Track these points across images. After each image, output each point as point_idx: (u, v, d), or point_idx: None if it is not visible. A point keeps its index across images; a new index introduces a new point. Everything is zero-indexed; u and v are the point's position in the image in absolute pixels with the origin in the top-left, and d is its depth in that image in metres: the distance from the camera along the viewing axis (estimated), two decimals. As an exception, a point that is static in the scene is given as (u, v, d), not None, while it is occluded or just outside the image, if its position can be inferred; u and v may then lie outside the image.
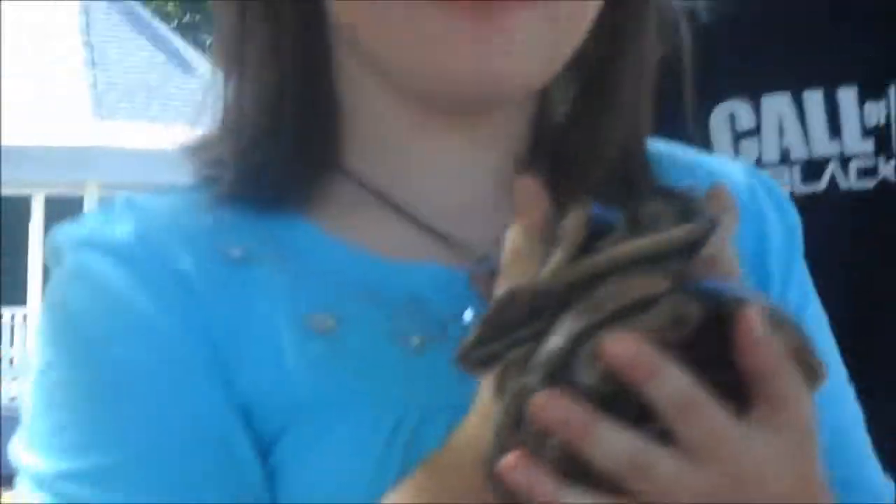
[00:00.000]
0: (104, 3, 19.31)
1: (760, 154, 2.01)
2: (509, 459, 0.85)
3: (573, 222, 0.95)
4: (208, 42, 22.19)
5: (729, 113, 2.06)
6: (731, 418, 0.86)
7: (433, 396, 0.94)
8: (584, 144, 1.10)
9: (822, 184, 2.06)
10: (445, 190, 1.10)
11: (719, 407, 0.85)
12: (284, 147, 1.07)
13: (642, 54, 1.13)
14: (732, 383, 0.87)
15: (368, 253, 1.07)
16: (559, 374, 0.85)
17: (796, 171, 2.06)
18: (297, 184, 1.08)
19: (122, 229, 1.04)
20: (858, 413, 1.19)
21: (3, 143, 16.26)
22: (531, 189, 0.98)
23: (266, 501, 1.00)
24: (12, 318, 17.90)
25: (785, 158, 2.04)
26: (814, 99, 2.08)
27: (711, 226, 0.95)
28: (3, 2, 18.55)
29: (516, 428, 0.86)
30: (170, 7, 24.79)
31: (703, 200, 0.97)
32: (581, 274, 0.90)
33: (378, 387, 1.01)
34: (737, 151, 2.00)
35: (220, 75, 1.11)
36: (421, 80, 1.06)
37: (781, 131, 2.06)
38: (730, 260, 0.97)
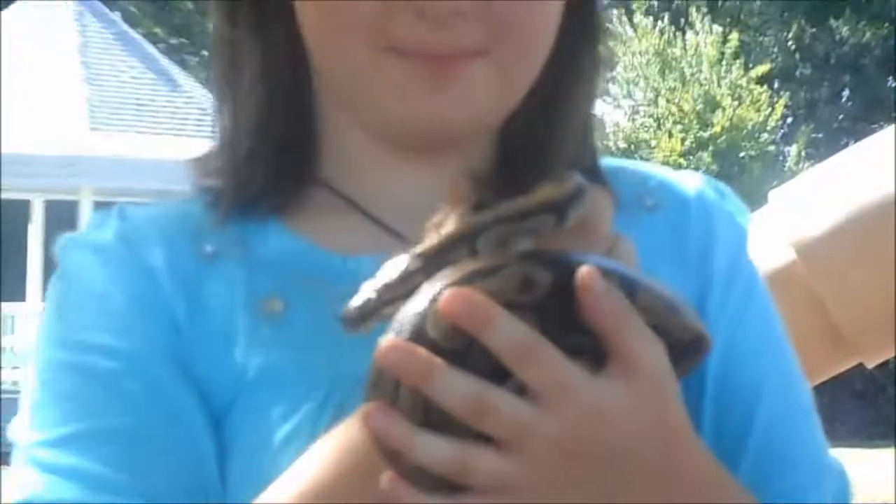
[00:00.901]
0: (99, 25, 19.31)
1: None
2: (366, 409, 0.83)
3: (452, 207, 0.96)
4: (192, 62, 21.69)
5: None
6: (577, 368, 0.83)
7: (360, 369, 0.86)
8: (537, 154, 1.08)
9: None
10: (405, 199, 1.07)
11: (560, 355, 0.82)
12: (269, 162, 1.08)
13: (588, 80, 1.11)
14: (595, 347, 0.84)
15: (328, 249, 1.06)
16: (415, 330, 0.83)
17: None
18: (276, 192, 1.08)
19: (108, 232, 1.06)
20: (803, 396, 1.10)
21: (4, 151, 15.99)
22: (452, 192, 0.98)
23: (215, 471, 1.00)
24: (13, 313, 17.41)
25: None
26: None
27: (575, 191, 0.93)
28: (2, 21, 18.46)
29: (377, 382, 0.84)
30: (157, 30, 24.39)
31: (580, 182, 0.94)
32: (449, 239, 0.90)
33: (313, 363, 1.00)
34: None
35: (216, 101, 1.11)
36: (384, 123, 1.06)
37: None
38: (607, 230, 0.94)
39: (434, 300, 0.82)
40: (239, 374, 1.02)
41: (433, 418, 0.82)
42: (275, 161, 1.08)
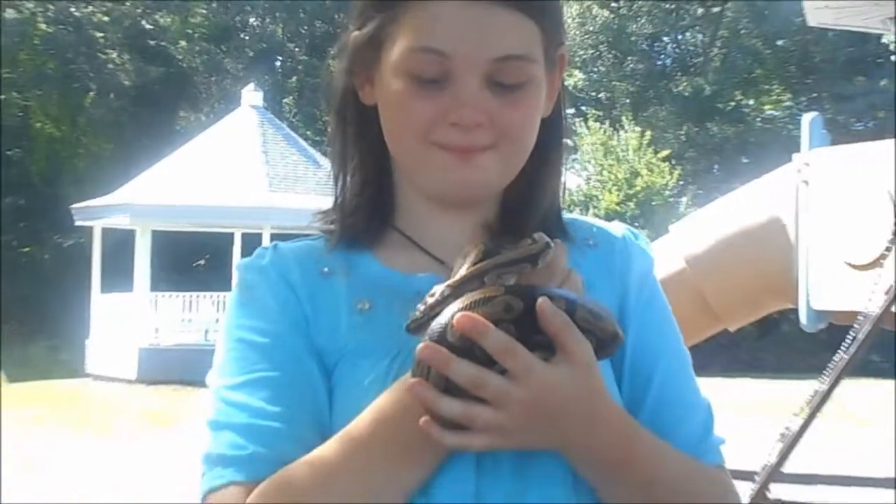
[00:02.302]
0: (273, 129, 19.31)
1: None
2: (410, 383, 0.85)
3: (471, 249, 0.96)
4: (328, 151, 21.92)
5: None
6: (536, 358, 0.85)
7: (414, 344, 0.86)
8: (525, 208, 1.05)
9: None
10: (445, 237, 1.04)
11: (527, 351, 0.84)
12: (364, 216, 1.05)
13: (557, 164, 1.07)
14: (549, 343, 0.85)
15: (398, 270, 1.03)
16: (440, 336, 0.84)
17: None
18: (368, 234, 1.06)
19: (266, 259, 1.04)
20: (685, 360, 1.06)
21: (218, 204, 16.76)
22: (472, 238, 1.00)
23: (327, 406, 0.97)
24: (220, 299, 17.44)
25: None
26: None
27: (544, 248, 0.94)
28: (222, 125, 18.82)
29: (418, 365, 0.86)
30: (308, 132, 24.58)
31: (547, 241, 0.95)
32: (468, 275, 0.91)
33: (385, 340, 0.98)
34: None
35: (333, 177, 1.07)
36: (433, 190, 1.03)
37: None
38: (564, 269, 0.95)
39: (452, 317, 0.85)
40: (342, 346, 1.00)
41: (451, 388, 0.85)
42: (368, 214, 1.06)
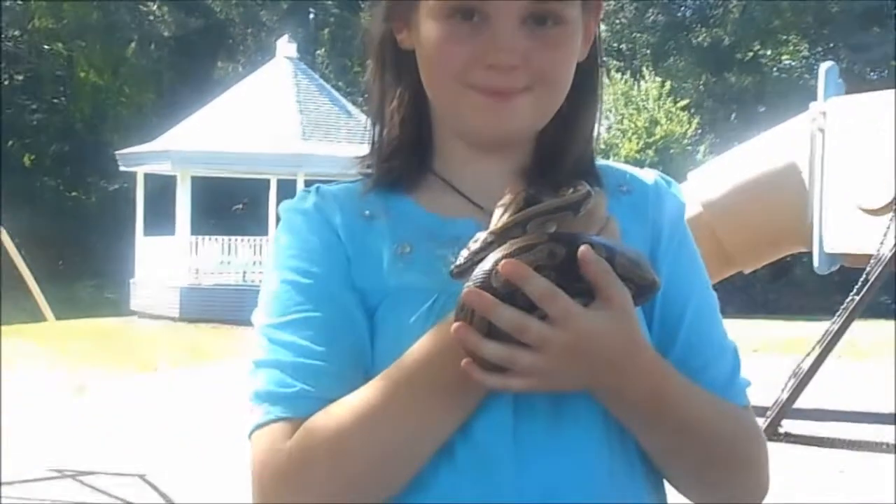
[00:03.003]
0: (306, 80, 19.27)
1: None
2: (454, 326, 0.84)
3: (512, 197, 0.94)
4: (359, 101, 21.97)
5: None
6: (577, 304, 0.84)
7: (456, 287, 0.85)
8: (559, 153, 1.02)
9: None
10: (483, 181, 1.01)
11: (568, 297, 0.83)
12: (402, 160, 1.03)
13: (592, 109, 1.04)
14: (588, 289, 0.84)
15: (437, 214, 1.01)
16: (484, 280, 0.83)
17: None
18: (407, 178, 1.03)
19: (309, 202, 1.03)
20: (713, 303, 1.05)
21: (255, 150, 16.86)
22: (512, 186, 0.96)
23: (369, 345, 0.96)
24: (256, 243, 17.72)
25: None
26: None
27: (585, 196, 0.92)
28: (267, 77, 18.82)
29: (461, 309, 0.84)
30: (340, 83, 24.55)
31: (588, 189, 0.93)
32: (511, 222, 0.90)
33: (427, 282, 0.96)
34: None
35: (371, 122, 1.05)
36: (469, 132, 1.01)
37: None
38: (603, 216, 0.93)
39: (496, 263, 0.83)
40: (384, 287, 0.98)
41: (493, 332, 0.83)
42: (406, 159, 1.03)
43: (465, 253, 0.87)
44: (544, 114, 1.00)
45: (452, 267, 0.87)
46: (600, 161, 1.07)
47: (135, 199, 18.65)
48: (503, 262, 0.83)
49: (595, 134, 1.05)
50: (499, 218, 0.92)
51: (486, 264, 0.84)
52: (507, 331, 0.83)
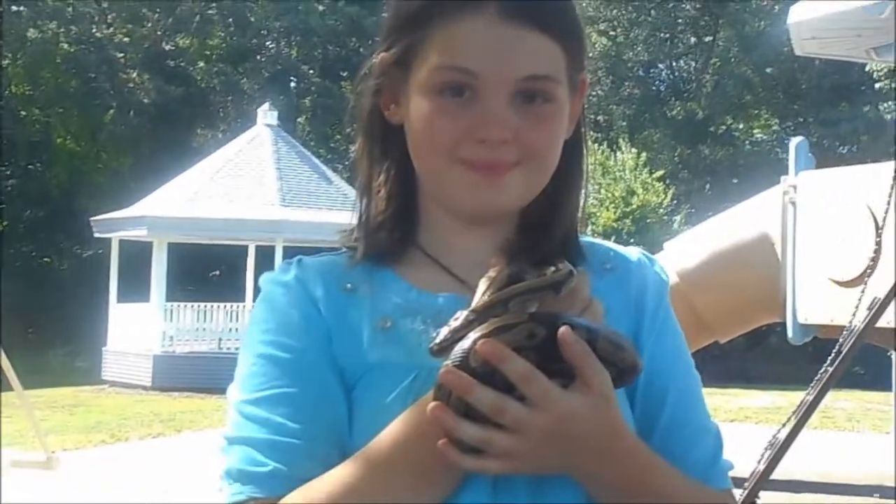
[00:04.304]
0: (286, 146, 19.35)
1: None
2: (431, 406, 0.83)
3: (496, 274, 0.93)
4: (339, 168, 22.12)
5: None
6: (555, 386, 0.82)
7: (436, 364, 0.84)
8: (544, 229, 1.01)
9: None
10: (468, 257, 1.00)
11: (547, 379, 0.82)
12: (388, 234, 1.02)
13: (577, 186, 1.04)
14: (568, 371, 0.83)
15: (420, 288, 1.00)
16: (463, 360, 0.82)
17: None
18: (391, 252, 1.02)
19: (290, 275, 1.00)
20: (696, 385, 1.03)
21: (234, 216, 16.78)
22: (496, 262, 0.96)
23: (346, 424, 0.94)
24: (233, 309, 17.70)
25: None
26: None
27: (567, 275, 0.91)
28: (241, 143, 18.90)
29: (439, 389, 0.83)
30: (321, 150, 24.55)
31: (571, 269, 0.92)
32: (492, 301, 0.88)
33: (407, 358, 0.94)
34: None
35: (358, 195, 1.05)
36: (457, 208, 1.00)
37: None
38: (586, 297, 0.92)
39: (475, 343, 0.83)
40: (364, 362, 0.96)
41: (471, 413, 0.83)
42: (392, 232, 1.02)
43: (445, 330, 0.86)
44: (532, 189, 0.99)
45: (433, 344, 0.86)
46: (585, 237, 1.06)
47: (109, 266, 18.53)
48: (482, 342, 0.82)
49: (580, 211, 1.05)
50: (481, 295, 0.91)
51: (466, 343, 0.83)
52: (485, 412, 0.82)
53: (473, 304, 0.89)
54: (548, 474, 0.89)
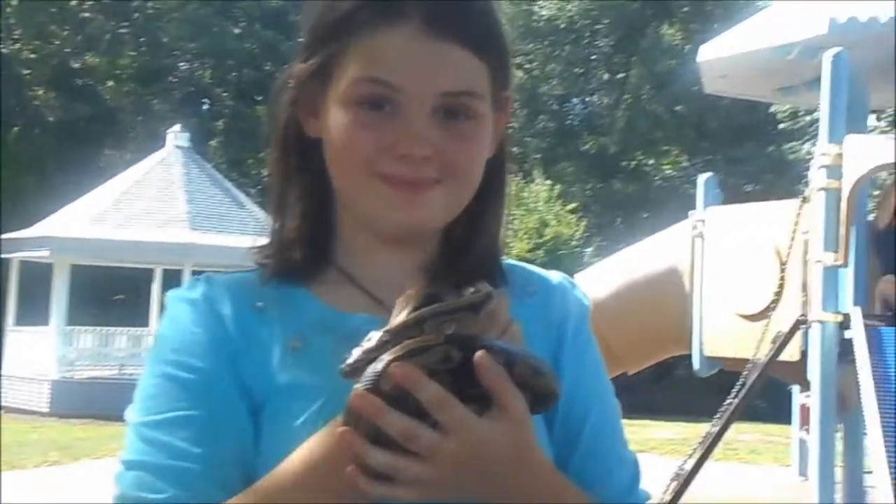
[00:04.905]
0: (197, 168, 19.05)
1: None
2: (339, 431, 0.80)
3: (412, 295, 0.90)
4: (252, 192, 21.91)
5: None
6: (468, 411, 0.80)
7: (348, 387, 0.81)
8: (465, 250, 0.99)
9: None
10: (386, 276, 0.97)
11: (461, 405, 0.79)
12: (302, 251, 0.99)
13: (499, 206, 1.03)
14: (484, 395, 0.81)
15: (333, 307, 0.97)
16: (374, 383, 0.79)
17: None
18: (305, 270, 0.99)
19: (197, 292, 0.97)
20: (614, 411, 1.02)
21: (140, 239, 16.47)
22: (414, 283, 0.93)
23: (252, 448, 0.91)
24: (136, 334, 17.48)
25: None
26: None
27: (486, 297, 0.88)
28: (148, 165, 18.52)
29: (349, 412, 0.81)
30: (233, 174, 24.18)
31: (490, 291, 0.90)
32: (408, 322, 0.85)
33: (317, 380, 0.91)
34: None
35: (270, 211, 1.02)
36: (376, 226, 0.97)
37: None
38: (505, 319, 0.89)
39: (387, 366, 0.80)
40: (272, 384, 0.93)
41: (381, 438, 0.80)
42: (306, 249, 0.99)
43: (357, 352, 0.84)
44: (453, 208, 0.97)
45: (344, 365, 0.83)
46: (506, 260, 1.04)
47: (7, 288, 17.92)
48: (394, 364, 0.79)
49: (501, 232, 1.03)
50: (397, 315, 0.88)
51: (378, 365, 0.80)
52: (395, 437, 0.79)
53: (388, 325, 0.86)
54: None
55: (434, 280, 0.95)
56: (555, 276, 1.07)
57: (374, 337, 0.85)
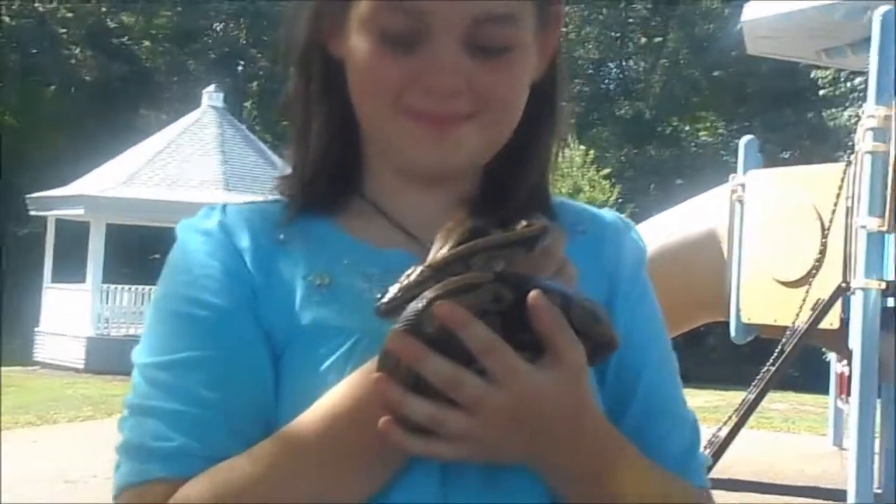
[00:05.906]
0: (231, 129, 19.07)
1: None
2: (374, 377, 0.73)
3: (455, 227, 0.82)
4: (285, 154, 21.87)
5: None
6: (520, 359, 0.72)
7: (382, 328, 0.74)
8: (510, 186, 0.90)
9: None
10: (417, 211, 0.89)
11: (511, 350, 0.72)
12: (328, 181, 0.91)
13: (548, 135, 0.92)
14: (536, 343, 0.73)
15: (364, 242, 0.88)
16: (415, 323, 0.72)
17: None
18: (332, 201, 0.91)
19: (213, 220, 0.88)
20: (672, 367, 0.92)
21: (176, 199, 16.36)
22: (455, 215, 0.85)
23: (273, 393, 0.82)
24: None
25: None
26: None
27: (542, 231, 0.80)
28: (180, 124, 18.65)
29: (385, 356, 0.73)
30: (267, 136, 24.50)
31: (546, 224, 0.81)
32: (452, 256, 0.78)
33: (346, 320, 0.83)
34: None
35: (293, 142, 0.92)
36: (403, 164, 0.88)
37: None
38: (560, 257, 0.81)
39: (430, 304, 0.72)
40: (295, 324, 0.84)
41: (420, 386, 0.72)
42: (332, 180, 0.90)
43: (395, 288, 0.75)
44: (492, 143, 0.87)
45: (379, 303, 0.75)
46: (557, 196, 0.95)
47: (44, 245, 18.08)
48: (439, 303, 0.71)
49: (552, 162, 0.93)
50: (438, 250, 0.79)
51: (419, 304, 0.72)
52: (438, 386, 0.71)
53: (429, 260, 0.78)
54: (506, 465, 0.78)
55: (478, 215, 0.85)
56: (608, 214, 0.98)
57: (414, 271, 0.76)
